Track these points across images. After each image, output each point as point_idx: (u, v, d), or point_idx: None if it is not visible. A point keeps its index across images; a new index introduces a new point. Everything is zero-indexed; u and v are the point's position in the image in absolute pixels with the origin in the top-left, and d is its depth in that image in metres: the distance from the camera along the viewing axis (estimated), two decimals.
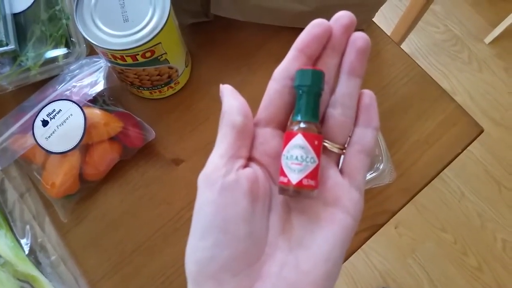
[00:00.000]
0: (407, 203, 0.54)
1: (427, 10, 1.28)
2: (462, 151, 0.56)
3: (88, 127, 0.50)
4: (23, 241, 0.53)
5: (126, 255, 0.52)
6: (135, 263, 0.51)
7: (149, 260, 0.51)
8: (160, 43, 0.45)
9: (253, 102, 0.56)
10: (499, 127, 1.47)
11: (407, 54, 0.59)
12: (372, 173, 0.49)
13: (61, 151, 0.49)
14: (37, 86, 0.53)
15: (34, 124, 0.50)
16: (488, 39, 1.58)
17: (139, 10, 0.45)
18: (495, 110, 1.49)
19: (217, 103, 0.57)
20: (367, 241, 0.52)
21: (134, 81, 0.51)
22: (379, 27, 0.60)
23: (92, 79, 0.53)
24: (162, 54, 0.47)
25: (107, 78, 0.53)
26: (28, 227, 0.53)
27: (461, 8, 1.65)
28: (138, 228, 0.53)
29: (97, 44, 0.44)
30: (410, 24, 1.33)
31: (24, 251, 0.52)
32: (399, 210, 0.53)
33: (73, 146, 0.49)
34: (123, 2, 0.45)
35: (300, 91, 0.27)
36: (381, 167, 0.49)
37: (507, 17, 1.49)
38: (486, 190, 1.41)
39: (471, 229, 1.37)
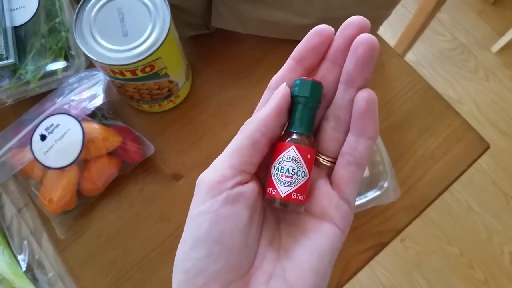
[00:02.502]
0: (413, 220, 0.52)
1: (433, 18, 1.27)
2: (468, 167, 0.55)
3: (86, 142, 0.49)
4: (20, 257, 0.52)
5: (123, 273, 0.50)
6: (133, 281, 0.50)
7: (147, 277, 0.50)
8: (160, 58, 0.44)
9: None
10: (506, 137, 1.45)
11: (412, 67, 0.58)
12: (376, 191, 0.48)
13: (59, 167, 0.49)
14: (36, 99, 0.52)
15: (32, 139, 0.49)
16: (495, 48, 1.56)
17: (139, 24, 0.44)
18: (502, 120, 1.47)
19: (217, 117, 0.56)
20: (371, 260, 0.51)
21: (133, 95, 0.50)
22: (384, 40, 0.59)
23: (91, 93, 0.53)
24: (162, 69, 0.46)
25: (106, 92, 0.52)
26: (25, 243, 0.52)
27: (467, 16, 1.63)
28: (136, 245, 0.51)
29: (96, 59, 0.43)
30: (416, 33, 1.31)
31: (21, 268, 0.51)
32: (404, 228, 0.52)
33: (71, 162, 0.49)
34: (123, 17, 0.44)
35: (297, 102, 0.26)
36: (385, 185, 0.48)
37: None
38: (493, 202, 1.39)
39: (477, 242, 1.35)
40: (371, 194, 0.48)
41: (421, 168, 0.54)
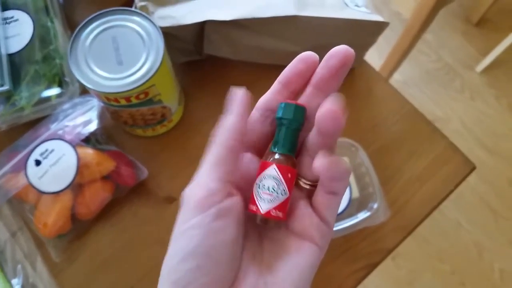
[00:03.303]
0: (403, 241, 0.54)
1: (418, 40, 1.30)
2: (455, 188, 0.56)
3: (80, 167, 0.50)
4: (14, 281, 0.52)
5: None
6: None
7: None
8: (154, 85, 0.46)
9: None
10: (493, 155, 1.48)
11: (398, 91, 0.60)
12: (366, 212, 0.49)
13: (54, 191, 0.49)
14: (30, 125, 0.53)
15: (27, 164, 0.49)
16: (479, 68, 1.60)
17: (133, 52, 0.45)
18: (489, 139, 1.50)
19: (210, 140, 0.57)
20: (363, 280, 0.52)
21: (127, 120, 0.51)
22: (370, 65, 0.61)
23: (85, 119, 0.54)
24: (156, 95, 0.48)
25: (100, 117, 0.53)
26: (19, 266, 0.52)
27: (452, 37, 1.68)
28: (130, 269, 0.52)
29: (91, 87, 0.44)
30: (402, 54, 1.34)
31: None
32: (394, 248, 0.53)
33: (65, 186, 0.49)
34: (118, 45, 0.46)
35: (281, 124, 0.27)
36: (375, 206, 0.49)
37: (496, 46, 1.52)
38: (482, 220, 1.41)
39: (468, 259, 1.36)
40: (362, 215, 0.49)
41: (409, 190, 0.55)
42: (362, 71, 0.60)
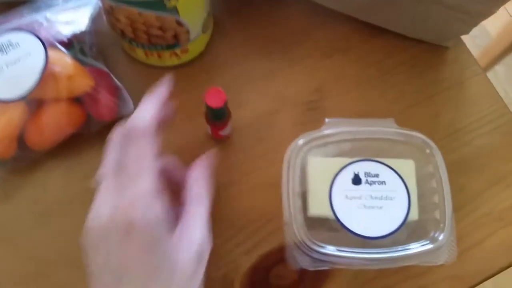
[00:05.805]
0: None
1: (493, 66, 1.15)
2: None
3: (45, 76, 0.35)
4: None
5: (49, 263, 0.36)
6: (57, 277, 0.36)
7: (75, 277, 0.35)
8: None
9: (281, 98, 0.43)
10: None
11: (498, 93, 0.44)
12: (426, 244, 0.33)
13: (3, 99, 0.35)
14: (1, 9, 0.39)
15: None
16: None
17: None
18: None
19: (229, 92, 0.40)
20: None
21: (125, 28, 0.37)
22: (468, 50, 0.45)
23: (73, 16, 0.39)
24: None
25: (94, 20, 0.39)
26: None
27: None
28: (77, 228, 0.37)
29: None
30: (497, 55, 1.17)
31: None
32: None
33: (19, 96, 0.35)
34: None
35: None
36: (440, 237, 0.33)
37: None
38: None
39: None
40: (417, 247, 0.33)
41: (485, 228, 0.39)
42: (457, 56, 0.44)
